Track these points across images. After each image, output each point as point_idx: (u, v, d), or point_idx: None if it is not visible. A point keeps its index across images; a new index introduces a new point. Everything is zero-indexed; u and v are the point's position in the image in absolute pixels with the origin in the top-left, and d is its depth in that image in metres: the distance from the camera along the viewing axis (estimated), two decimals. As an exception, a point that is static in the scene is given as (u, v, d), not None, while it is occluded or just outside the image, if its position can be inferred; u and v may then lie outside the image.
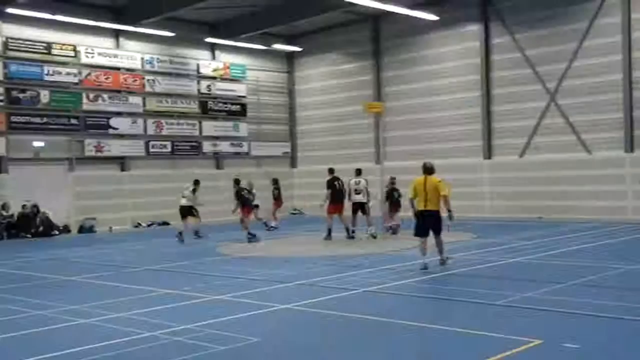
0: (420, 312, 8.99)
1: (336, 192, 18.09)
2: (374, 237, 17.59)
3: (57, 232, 23.01)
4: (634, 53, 21.36)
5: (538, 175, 23.15)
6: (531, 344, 6.93)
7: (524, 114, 23.84)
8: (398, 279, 11.43)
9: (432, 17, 24.10)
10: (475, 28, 24.96)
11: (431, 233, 12.62)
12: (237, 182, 19.22)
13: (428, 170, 12.86)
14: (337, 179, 18.30)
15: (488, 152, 24.81)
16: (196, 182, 20.16)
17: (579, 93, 22.53)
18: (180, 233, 18.96)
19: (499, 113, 24.55)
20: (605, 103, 21.98)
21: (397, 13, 23.93)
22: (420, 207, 12.50)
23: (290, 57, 31.12)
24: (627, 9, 21.38)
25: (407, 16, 24.08)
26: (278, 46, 29.26)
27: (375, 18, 27.31)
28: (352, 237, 17.84)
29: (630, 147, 21.56)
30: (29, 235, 22.18)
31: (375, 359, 6.84)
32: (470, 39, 25.10)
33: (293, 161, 31.37)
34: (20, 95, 23.02)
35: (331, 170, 18.62)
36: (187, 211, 19.68)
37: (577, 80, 22.56)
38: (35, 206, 22.73)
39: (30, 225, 22.49)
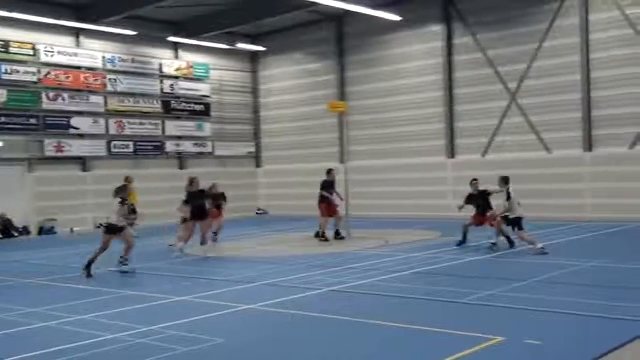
0: (384, 310, 9.04)
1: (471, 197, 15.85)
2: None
3: (16, 234, 22.59)
4: (591, 54, 21.84)
5: (501, 174, 23.28)
6: (493, 341, 7.03)
7: (486, 114, 24.15)
8: (362, 278, 11.47)
9: (395, 17, 24.24)
10: (437, 28, 25.19)
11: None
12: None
13: None
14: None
15: (451, 151, 25.08)
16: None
17: (538, 93, 22.93)
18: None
19: (462, 113, 24.82)
20: (564, 103, 22.39)
21: (360, 13, 24.02)
22: None
23: (254, 56, 31.00)
24: (585, 11, 21.81)
25: (371, 16, 24.19)
26: (242, 45, 29.13)
27: (339, 18, 27.38)
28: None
29: (588, 147, 22.04)
30: (-14, 238, 21.73)
31: (335, 357, 6.86)
32: (433, 39, 25.33)
33: (258, 161, 31.26)
34: (-23, 95, 22.48)
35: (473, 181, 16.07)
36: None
37: (536, 81, 22.95)
38: (-7, 208, 22.26)
39: (-12, 227, 22.04)
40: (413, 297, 9.81)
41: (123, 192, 13.50)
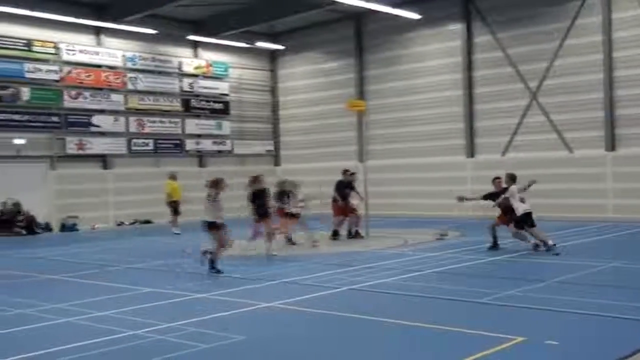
0: (404, 310, 9.02)
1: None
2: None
3: (39, 231, 22.87)
4: (614, 53, 21.61)
5: (520, 174, 22.97)
6: (514, 341, 6.99)
7: (506, 113, 23.98)
8: (381, 277, 11.45)
9: (415, 15, 24.16)
10: (457, 27, 25.06)
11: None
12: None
13: None
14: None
15: (470, 151, 24.95)
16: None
17: (559, 92, 22.73)
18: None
19: (481, 112, 24.68)
20: (585, 102, 22.20)
21: (379, 11, 23.97)
22: None
23: (273, 55, 31.06)
24: (608, 8, 21.59)
25: (390, 15, 24.13)
26: (261, 44, 29.19)
27: (358, 16, 27.33)
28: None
29: (611, 146, 21.81)
30: (11, 233, 21.99)
31: (356, 355, 6.86)
32: (453, 38, 25.20)
33: (276, 159, 31.32)
34: (1, 93, 22.74)
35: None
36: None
37: (558, 80, 22.75)
38: (16, 204, 22.53)
39: (12, 223, 22.30)
40: (433, 296, 9.78)
41: (214, 187, 12.59)
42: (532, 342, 6.97)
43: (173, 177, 21.77)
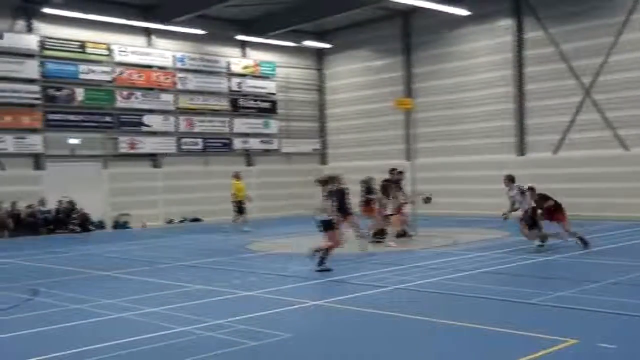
0: (452, 310, 8.91)
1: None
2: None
3: (92, 228, 23.46)
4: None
5: (573, 172, 22.76)
6: (566, 344, 6.83)
7: (558, 110, 23.46)
8: (429, 277, 11.35)
9: (464, 12, 23.86)
10: (507, 23, 24.63)
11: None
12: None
13: None
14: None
15: (520, 149, 24.50)
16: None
17: (614, 88, 22.11)
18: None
19: (532, 109, 24.21)
20: (641, 98, 21.58)
21: (428, 8, 23.75)
22: None
23: (320, 54, 31.11)
24: (665, 1, 20.94)
25: (438, 11, 23.89)
26: (308, 43, 29.27)
27: (406, 14, 27.14)
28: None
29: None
30: (66, 231, 22.62)
31: (404, 355, 6.80)
32: (503, 34, 24.78)
33: (323, 158, 31.37)
34: (56, 94, 23.42)
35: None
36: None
37: (613, 75, 22.13)
38: (71, 202, 23.15)
39: (67, 220, 22.93)
40: (481, 296, 9.63)
41: (329, 184, 12.26)
42: (585, 344, 6.80)
43: (237, 176, 21.91)
